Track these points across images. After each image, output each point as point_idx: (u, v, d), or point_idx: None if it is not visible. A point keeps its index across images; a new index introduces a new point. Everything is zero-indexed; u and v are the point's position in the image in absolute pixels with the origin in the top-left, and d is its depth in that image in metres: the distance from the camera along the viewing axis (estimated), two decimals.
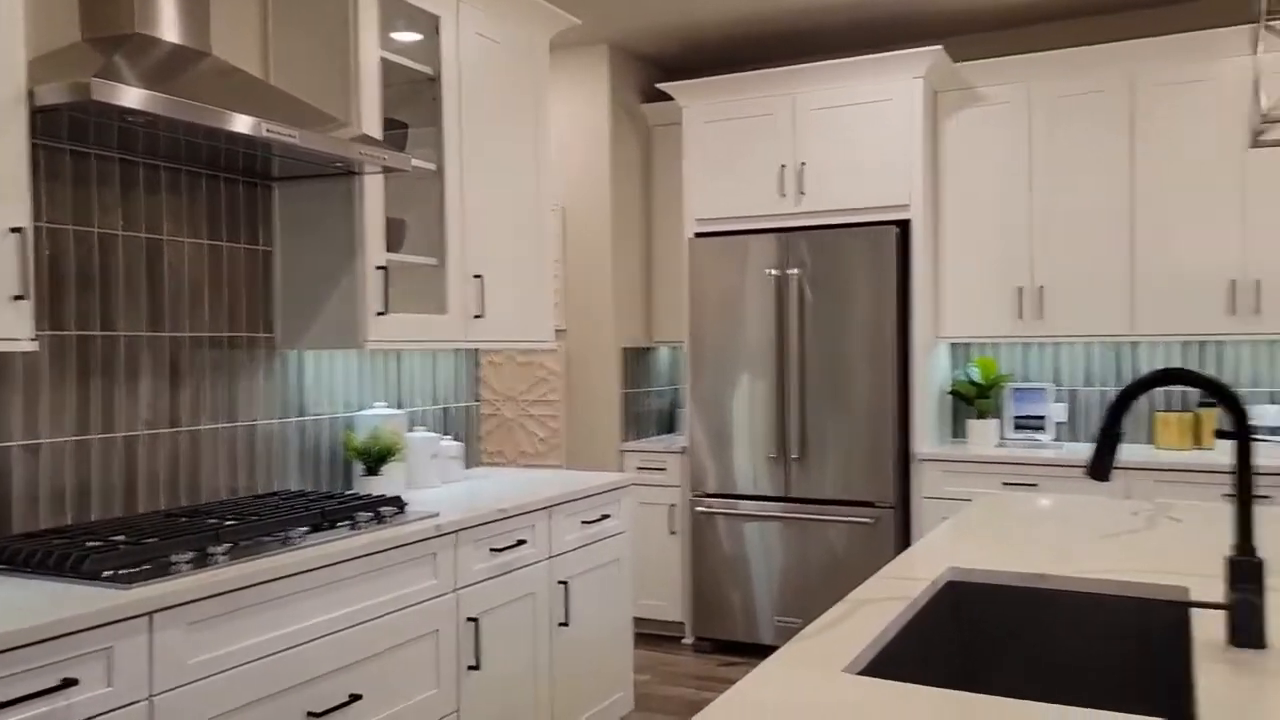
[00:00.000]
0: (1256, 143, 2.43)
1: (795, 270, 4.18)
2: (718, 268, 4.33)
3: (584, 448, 4.73)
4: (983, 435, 4.29)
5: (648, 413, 4.95)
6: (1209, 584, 1.72)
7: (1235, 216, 3.80)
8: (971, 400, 4.32)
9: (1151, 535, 2.19)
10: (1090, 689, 1.77)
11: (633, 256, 4.85)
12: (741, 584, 4.31)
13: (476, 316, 3.16)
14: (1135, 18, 4.28)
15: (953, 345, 4.57)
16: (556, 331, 4.62)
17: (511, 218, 3.36)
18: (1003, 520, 2.40)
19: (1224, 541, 2.13)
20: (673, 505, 4.54)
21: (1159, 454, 3.88)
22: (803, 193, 4.24)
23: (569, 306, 4.75)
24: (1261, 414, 3.94)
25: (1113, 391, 4.28)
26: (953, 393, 4.39)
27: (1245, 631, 1.32)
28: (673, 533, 4.53)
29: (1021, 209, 4.14)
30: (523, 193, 3.43)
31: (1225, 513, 2.48)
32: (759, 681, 1.28)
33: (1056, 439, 4.35)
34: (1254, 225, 3.77)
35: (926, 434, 4.21)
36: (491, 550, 2.75)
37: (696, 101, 4.45)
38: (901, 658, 1.54)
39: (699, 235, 4.46)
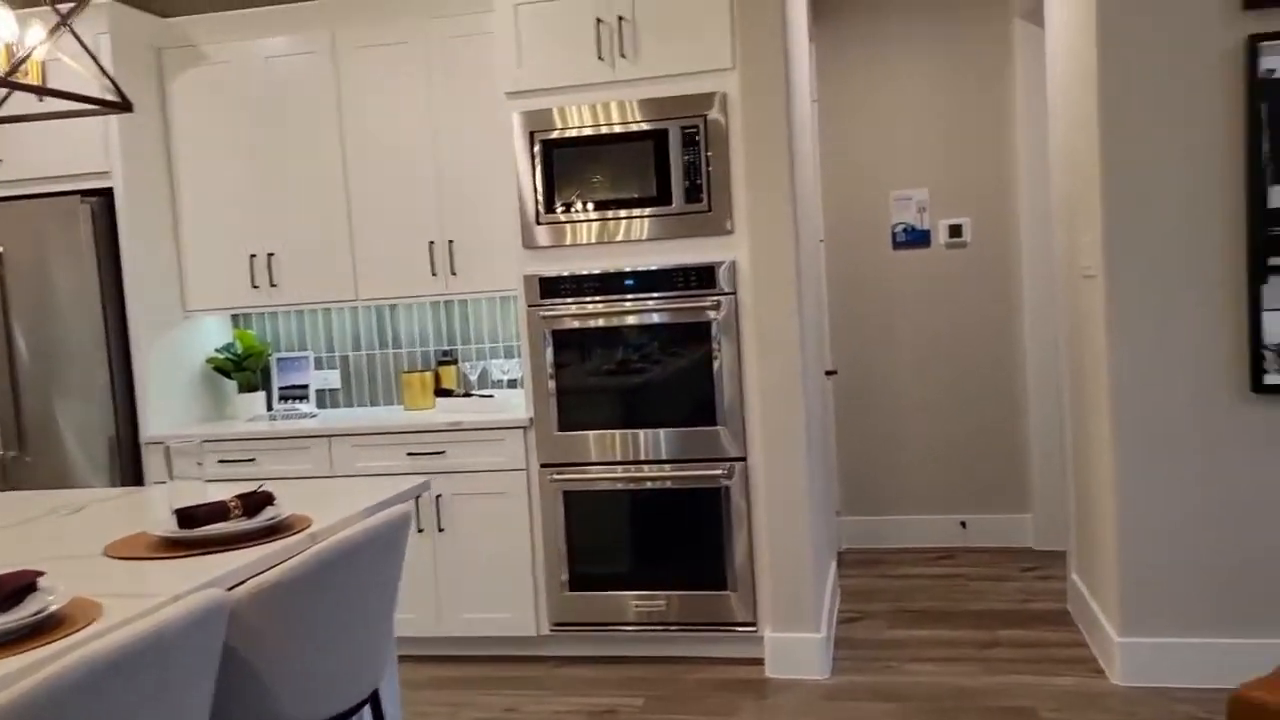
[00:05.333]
0: None
1: None
2: None
3: None
4: (250, 409, 4.15)
5: None
6: None
7: (431, 180, 3.86)
8: (230, 374, 4.16)
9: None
10: None
11: None
12: None
13: None
14: None
15: (234, 317, 4.38)
16: None
17: None
18: None
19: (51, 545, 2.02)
20: None
21: (408, 415, 3.94)
22: None
23: None
24: (495, 368, 4.12)
25: (381, 354, 4.30)
26: (217, 368, 4.20)
27: None
28: None
29: (248, 175, 3.99)
30: None
31: (146, 499, 2.40)
32: None
33: (321, 407, 4.32)
34: (447, 188, 3.85)
35: (173, 414, 3.99)
36: None
37: None
38: None
39: None
